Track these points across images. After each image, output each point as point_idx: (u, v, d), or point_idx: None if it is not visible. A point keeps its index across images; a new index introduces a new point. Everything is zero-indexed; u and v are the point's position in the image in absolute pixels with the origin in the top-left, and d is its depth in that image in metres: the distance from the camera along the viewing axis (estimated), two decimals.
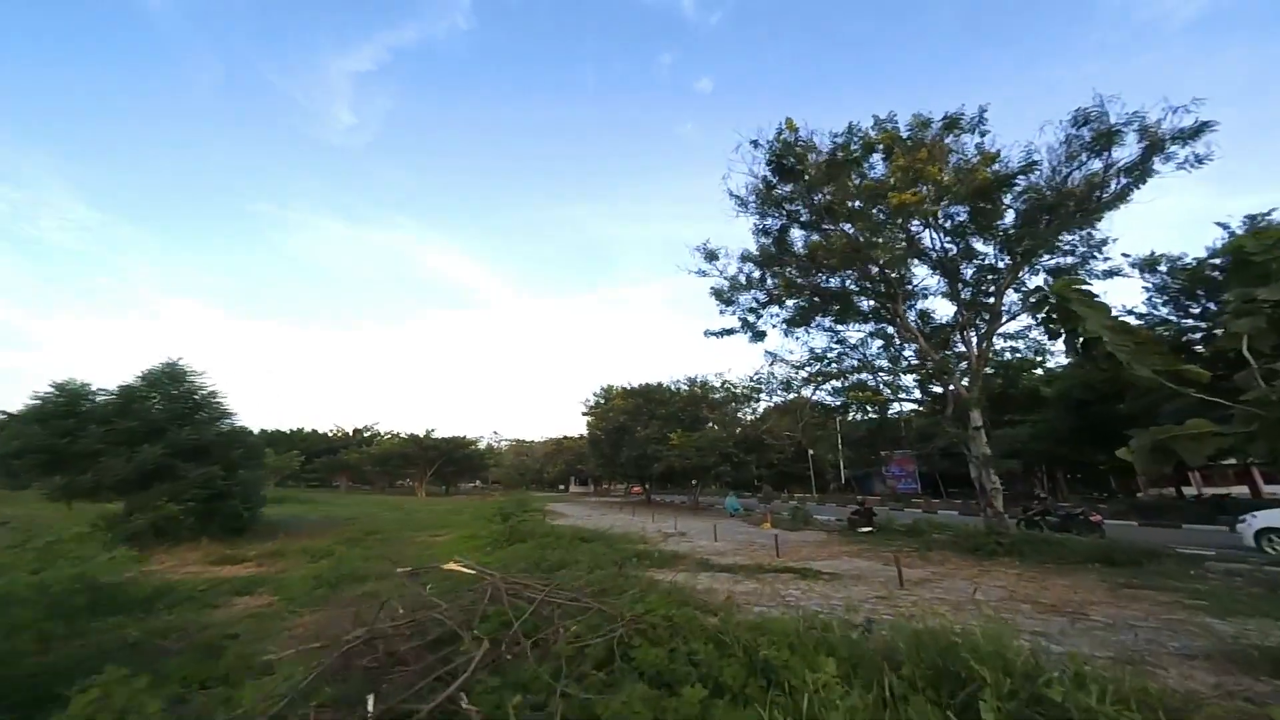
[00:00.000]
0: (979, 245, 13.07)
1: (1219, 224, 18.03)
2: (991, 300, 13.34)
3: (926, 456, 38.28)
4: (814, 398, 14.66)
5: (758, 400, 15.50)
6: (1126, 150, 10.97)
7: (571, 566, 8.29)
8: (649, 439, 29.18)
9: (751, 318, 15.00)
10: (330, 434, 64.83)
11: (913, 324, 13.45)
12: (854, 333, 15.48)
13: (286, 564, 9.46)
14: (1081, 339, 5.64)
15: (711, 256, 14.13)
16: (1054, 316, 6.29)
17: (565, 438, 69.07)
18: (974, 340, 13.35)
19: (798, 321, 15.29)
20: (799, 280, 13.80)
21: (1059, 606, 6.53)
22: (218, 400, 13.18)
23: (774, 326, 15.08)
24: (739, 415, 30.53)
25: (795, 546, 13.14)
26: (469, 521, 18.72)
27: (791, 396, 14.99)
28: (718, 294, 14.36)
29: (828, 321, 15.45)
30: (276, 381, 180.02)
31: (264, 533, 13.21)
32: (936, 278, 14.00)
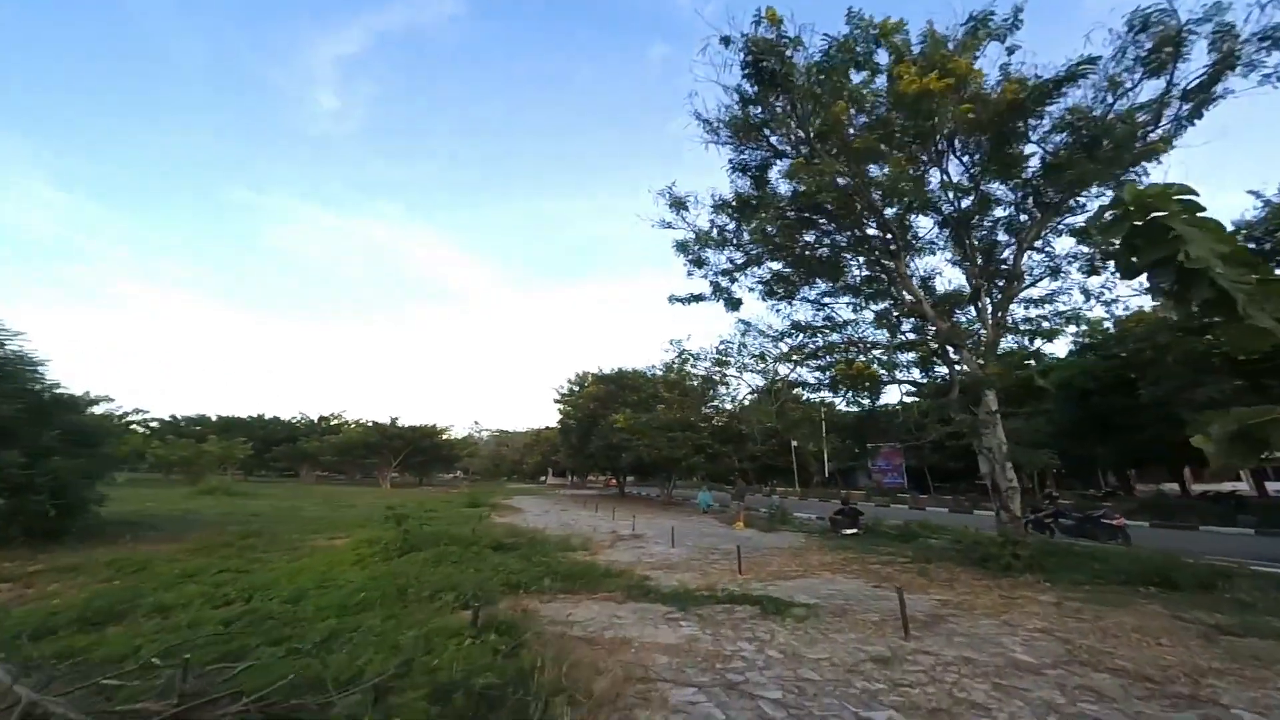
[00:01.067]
0: (999, 191, 10.69)
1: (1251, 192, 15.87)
2: (1008, 263, 11.02)
3: (915, 449, 36.44)
4: (793, 376, 12.25)
5: (724, 376, 12.96)
6: (1193, 65, 8.62)
7: (410, 610, 5.80)
8: (634, 428, 26.68)
9: (725, 281, 12.53)
10: (295, 422, 61.55)
11: (916, 286, 11.04)
12: (843, 307, 13.07)
13: (63, 584, 6.89)
14: (1176, 274, 3.29)
15: (679, 205, 11.60)
16: (1135, 241, 3.93)
17: (546, 428, 66.46)
18: (988, 308, 11.01)
19: (778, 292, 12.88)
20: (780, 240, 11.33)
21: (1157, 678, 4.16)
22: (31, 365, 10.26)
23: (751, 291, 12.61)
24: (713, 401, 28.16)
25: (766, 555, 10.78)
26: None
27: (765, 374, 12.55)
28: (683, 248, 11.83)
29: (813, 294, 13.07)
30: (251, 371, 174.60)
31: (106, 536, 10.53)
32: (944, 236, 11.62)
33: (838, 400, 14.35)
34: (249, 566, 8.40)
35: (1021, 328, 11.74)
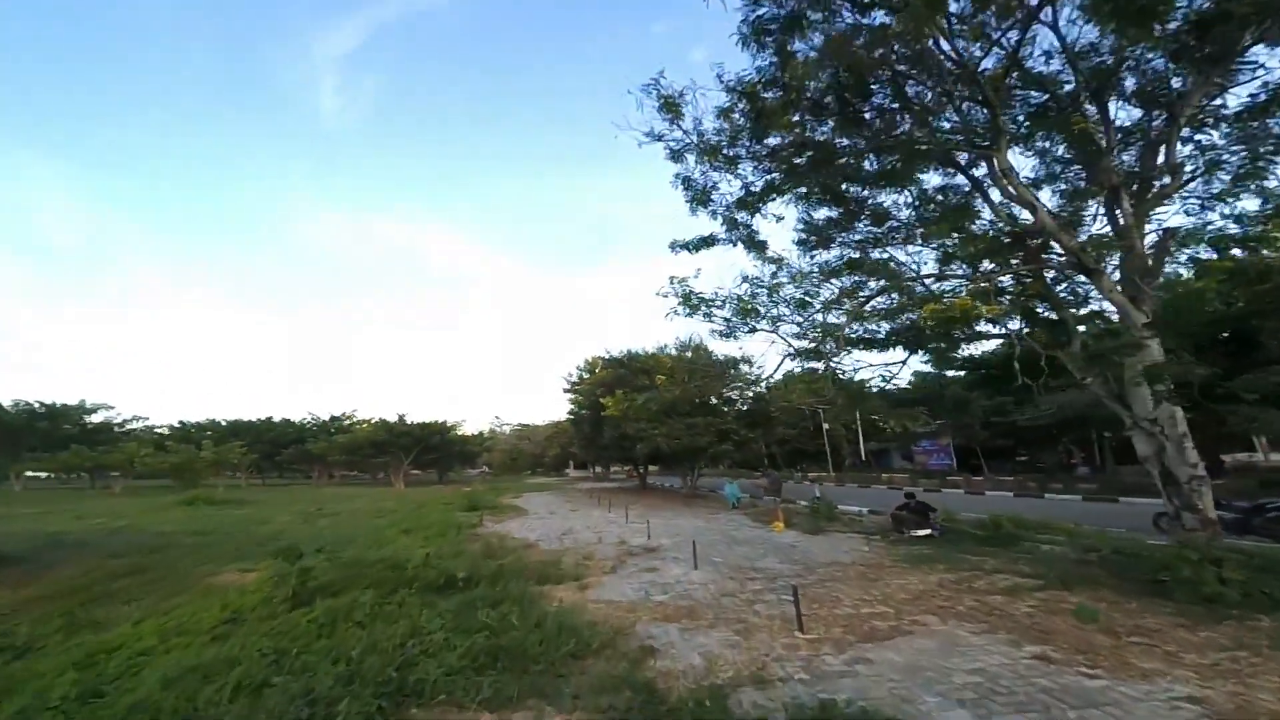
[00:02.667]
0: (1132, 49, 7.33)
1: None
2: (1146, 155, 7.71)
3: (963, 427, 32.81)
4: (848, 329, 9.08)
5: (751, 328, 9.77)
6: None
7: None
8: (626, 415, 23.78)
9: (743, 215, 9.44)
10: (306, 423, 60.17)
11: (1025, 187, 7.76)
12: (904, 245, 9.83)
13: None
14: None
15: (671, 107, 8.46)
16: None
17: (563, 420, 64.03)
18: (1128, 217, 7.70)
19: (819, 232, 9.73)
20: (816, 137, 8.18)
21: None
22: None
23: (777, 226, 9.43)
24: (736, 381, 25.04)
25: (827, 582, 7.77)
26: (341, 538, 13.53)
27: (806, 329, 9.45)
28: (678, 158, 8.67)
29: (862, 231, 9.86)
30: (268, 373, 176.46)
31: None
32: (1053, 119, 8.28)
33: (908, 361, 11.14)
34: (77, 625, 5.74)
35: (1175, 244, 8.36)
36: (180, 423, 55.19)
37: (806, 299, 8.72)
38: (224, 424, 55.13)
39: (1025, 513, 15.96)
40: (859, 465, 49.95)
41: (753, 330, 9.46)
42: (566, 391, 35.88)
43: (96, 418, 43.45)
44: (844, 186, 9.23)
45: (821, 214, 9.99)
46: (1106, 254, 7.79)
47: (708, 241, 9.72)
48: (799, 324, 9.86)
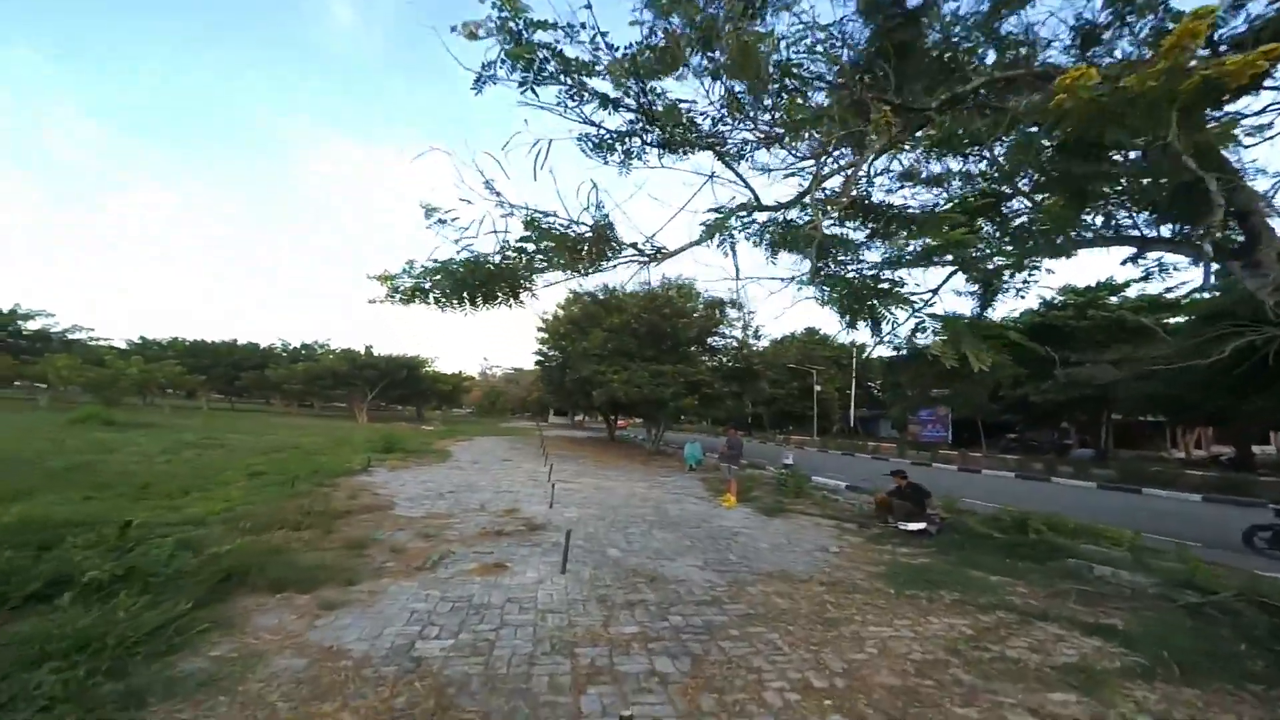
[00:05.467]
0: None
1: None
2: None
3: (965, 398, 29.72)
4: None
5: (727, 246, 6.26)
6: None
7: None
8: (586, 355, 20.59)
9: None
10: (274, 349, 56.95)
11: None
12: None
13: None
14: None
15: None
16: None
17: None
18: None
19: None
20: None
21: None
22: None
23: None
24: (716, 326, 21.71)
25: (753, 624, 4.68)
26: (161, 476, 10.54)
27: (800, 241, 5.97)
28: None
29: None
30: (260, 300, 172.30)
31: None
32: None
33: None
34: None
35: None
36: (141, 338, 52.06)
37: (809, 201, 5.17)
38: (186, 343, 52.00)
39: (1032, 500, 13.06)
40: (848, 431, 47.34)
41: (726, 246, 5.87)
42: (540, 331, 32.55)
43: (33, 325, 40.19)
44: None
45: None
46: None
47: (616, 140, 5.97)
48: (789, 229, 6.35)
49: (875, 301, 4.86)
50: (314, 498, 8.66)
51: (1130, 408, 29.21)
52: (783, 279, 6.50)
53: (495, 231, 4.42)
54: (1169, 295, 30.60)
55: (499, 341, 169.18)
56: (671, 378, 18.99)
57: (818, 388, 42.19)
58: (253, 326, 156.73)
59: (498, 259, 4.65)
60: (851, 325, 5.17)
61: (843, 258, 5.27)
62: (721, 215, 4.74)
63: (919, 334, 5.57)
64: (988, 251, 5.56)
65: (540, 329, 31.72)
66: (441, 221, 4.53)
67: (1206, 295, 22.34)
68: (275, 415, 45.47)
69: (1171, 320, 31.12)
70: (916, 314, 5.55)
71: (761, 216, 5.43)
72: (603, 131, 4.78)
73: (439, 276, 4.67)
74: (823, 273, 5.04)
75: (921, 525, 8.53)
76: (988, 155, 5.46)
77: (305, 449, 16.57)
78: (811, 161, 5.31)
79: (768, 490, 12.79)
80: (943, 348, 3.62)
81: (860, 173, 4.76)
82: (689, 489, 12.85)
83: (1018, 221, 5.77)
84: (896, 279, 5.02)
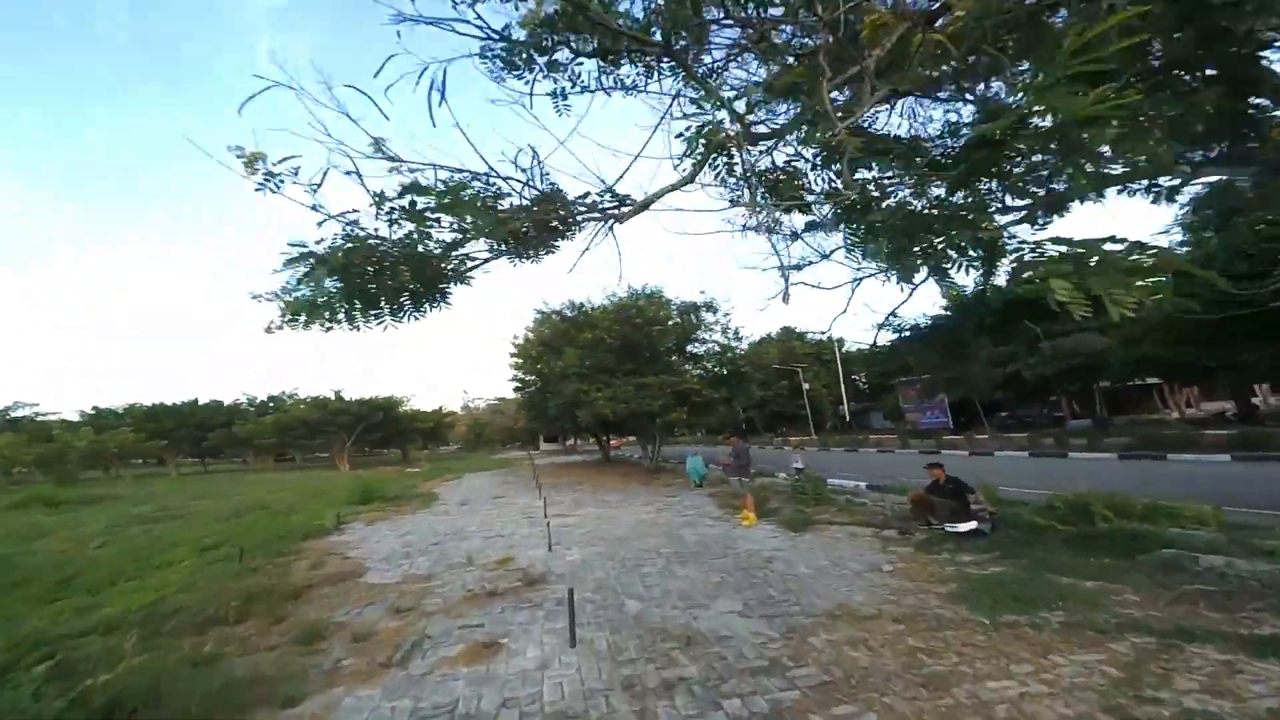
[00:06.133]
0: None
1: None
2: None
3: (958, 380, 29.16)
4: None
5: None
6: None
7: None
8: (564, 376, 19.42)
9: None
10: (240, 405, 54.39)
11: None
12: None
13: None
14: None
15: None
16: None
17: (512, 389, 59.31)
18: None
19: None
20: None
21: None
22: None
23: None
24: (695, 331, 20.76)
25: (838, 691, 3.54)
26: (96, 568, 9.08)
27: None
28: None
29: None
30: (223, 359, 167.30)
31: None
32: None
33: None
34: None
35: None
36: (94, 409, 49.18)
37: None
38: (143, 409, 49.29)
39: (1057, 479, 12.26)
40: (840, 427, 46.68)
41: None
42: (513, 356, 31.21)
43: None
44: None
45: None
46: None
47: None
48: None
49: (940, 235, 3.81)
50: (269, 572, 7.33)
51: (1121, 373, 29.00)
52: (790, 232, 5.47)
53: (384, 204, 3.22)
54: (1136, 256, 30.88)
55: (478, 373, 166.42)
56: (657, 389, 17.90)
57: (806, 385, 41.51)
58: (217, 384, 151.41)
59: (401, 238, 3.44)
60: (905, 277, 4.15)
61: (887, 178, 4.15)
62: (702, 129, 3.68)
63: (1019, 271, 4.45)
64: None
65: (512, 354, 30.50)
66: (276, 179, 3.17)
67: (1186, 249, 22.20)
68: (252, 472, 43.12)
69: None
70: (1027, 243, 4.26)
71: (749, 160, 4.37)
72: (512, 41, 3.68)
73: (317, 272, 3.36)
74: (858, 205, 3.98)
75: (972, 525, 7.53)
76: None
77: (274, 508, 15.02)
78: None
79: (784, 500, 11.71)
80: (1069, 289, 2.60)
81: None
82: (700, 508, 11.71)
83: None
84: (965, 202, 3.95)
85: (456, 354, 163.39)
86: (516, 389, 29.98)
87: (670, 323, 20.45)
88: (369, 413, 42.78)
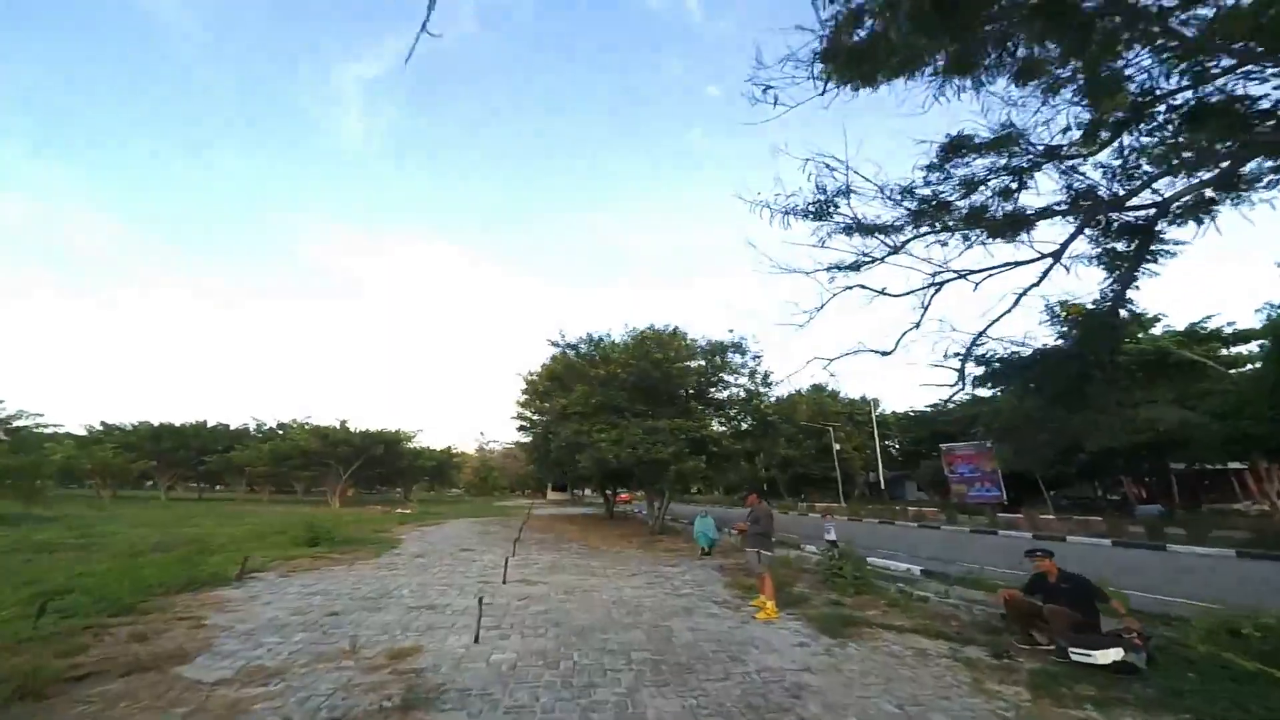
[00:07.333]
0: None
1: None
2: None
3: (1021, 451, 25.67)
4: None
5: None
6: None
7: None
8: (566, 415, 17.17)
9: None
10: (249, 430, 53.25)
11: None
12: None
13: None
14: None
15: None
16: None
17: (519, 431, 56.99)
18: None
19: None
20: None
21: None
22: None
23: None
24: (719, 373, 18.34)
25: None
26: None
27: None
28: None
29: None
30: (267, 383, 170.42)
31: None
32: None
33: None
34: None
35: None
36: (102, 424, 48.57)
37: None
38: (149, 428, 48.46)
39: (1159, 577, 9.31)
40: (870, 495, 42.69)
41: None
42: (519, 401, 29.12)
43: None
44: None
45: None
46: None
47: None
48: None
49: None
50: (57, 643, 5.05)
51: (1202, 453, 25.26)
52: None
53: None
54: (1205, 327, 27.70)
55: (496, 415, 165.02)
56: (670, 434, 15.45)
57: (836, 446, 38.24)
58: (259, 410, 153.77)
59: None
60: None
61: None
62: None
63: None
64: None
65: (523, 390, 28.43)
66: None
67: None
68: (243, 503, 41.18)
69: (1223, 352, 27.98)
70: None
71: None
72: None
73: None
74: None
75: (1117, 654, 4.84)
76: None
77: (204, 546, 12.74)
78: None
79: (814, 583, 9.02)
80: None
81: None
82: (704, 586, 9.07)
83: None
84: None
85: (480, 393, 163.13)
86: (521, 427, 27.78)
87: (693, 364, 18.19)
88: (369, 446, 40.86)
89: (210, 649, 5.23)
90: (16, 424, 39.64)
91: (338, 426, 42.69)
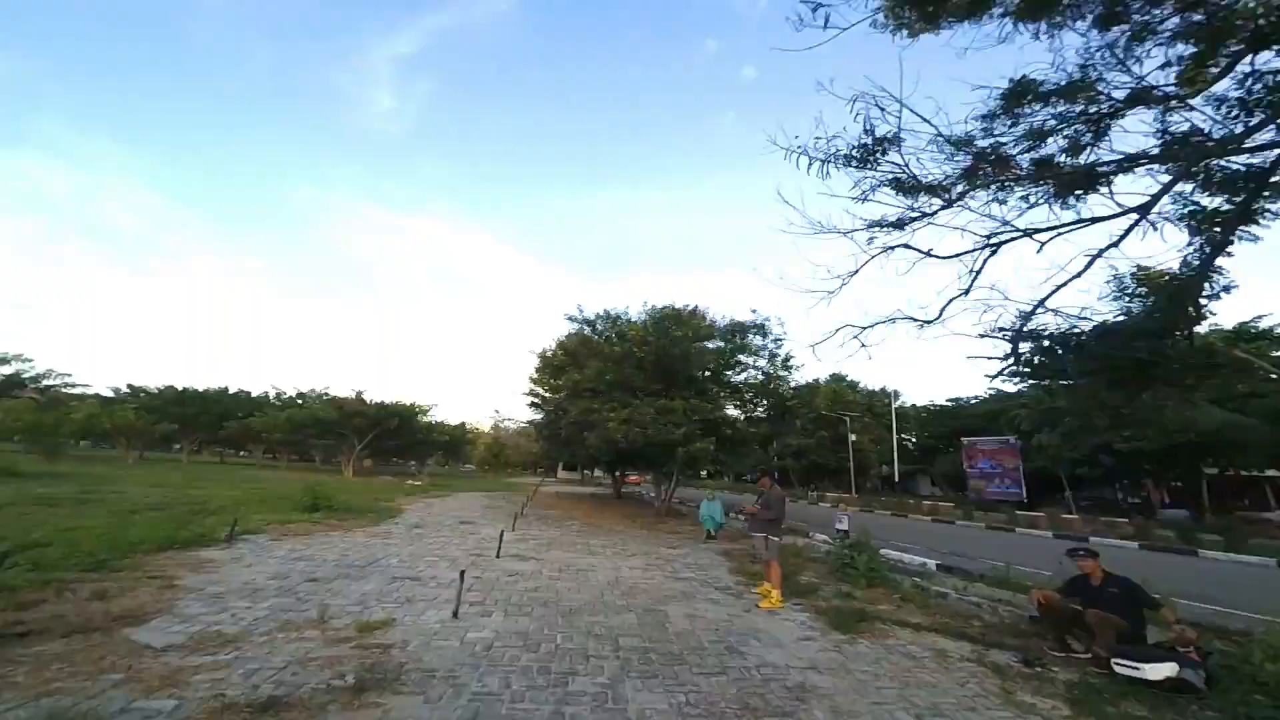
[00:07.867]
0: None
1: None
2: None
3: (1042, 447, 24.68)
4: None
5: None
6: None
7: None
8: (577, 392, 16.76)
9: None
10: (267, 397, 54.05)
11: None
12: None
13: None
14: None
15: None
16: None
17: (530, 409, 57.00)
18: None
19: None
20: None
21: None
22: None
23: None
24: (735, 356, 17.66)
25: None
26: None
27: None
28: None
29: None
30: (284, 354, 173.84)
31: None
32: None
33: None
34: None
35: None
36: (129, 386, 49.69)
37: None
38: (175, 392, 49.43)
39: (1195, 584, 8.58)
40: (883, 489, 41.86)
41: None
42: (531, 379, 28.83)
43: (6, 369, 37.91)
44: None
45: None
46: None
47: None
48: None
49: None
50: (15, 598, 4.76)
51: (1249, 458, 24.01)
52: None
53: None
54: (1256, 326, 26.14)
55: (514, 395, 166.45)
56: (683, 415, 14.93)
57: (852, 437, 37.42)
58: (280, 379, 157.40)
59: None
60: None
61: None
62: None
63: None
64: None
65: (536, 367, 28.11)
66: None
67: None
68: (261, 468, 41.91)
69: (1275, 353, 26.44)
70: None
71: None
72: None
73: None
74: None
75: (1171, 668, 4.24)
76: None
77: (204, 507, 12.64)
78: None
79: (823, 573, 8.49)
80: None
81: None
82: (706, 570, 8.60)
83: None
84: None
85: (497, 372, 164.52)
86: (532, 404, 27.53)
87: (711, 344, 17.52)
88: (385, 417, 41.07)
89: (171, 611, 4.90)
90: (46, 383, 40.76)
91: (353, 397, 42.98)
